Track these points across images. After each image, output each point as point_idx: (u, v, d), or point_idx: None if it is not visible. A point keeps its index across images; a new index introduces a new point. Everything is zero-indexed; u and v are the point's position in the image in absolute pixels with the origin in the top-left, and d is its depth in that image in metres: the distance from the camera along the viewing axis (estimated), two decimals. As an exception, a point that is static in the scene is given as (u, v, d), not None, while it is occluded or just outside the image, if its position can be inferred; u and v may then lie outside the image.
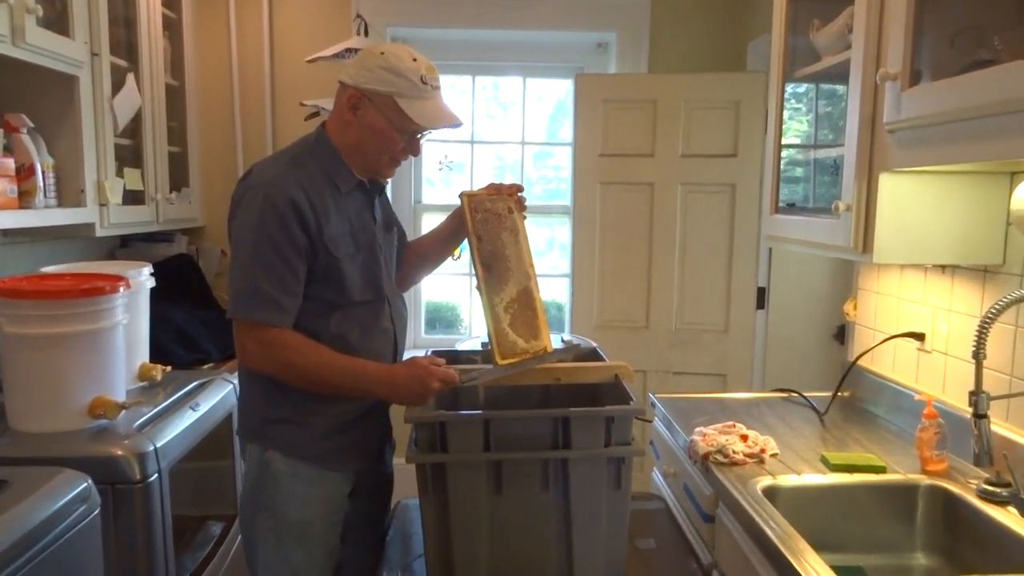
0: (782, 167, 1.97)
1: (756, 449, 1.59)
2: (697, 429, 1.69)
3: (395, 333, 1.61)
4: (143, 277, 2.07)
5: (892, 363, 1.92)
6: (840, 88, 1.81)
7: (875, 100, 1.47)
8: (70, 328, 1.67)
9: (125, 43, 2.48)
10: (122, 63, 2.43)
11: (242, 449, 1.57)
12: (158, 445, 1.70)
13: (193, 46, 2.97)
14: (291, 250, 1.41)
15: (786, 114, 1.94)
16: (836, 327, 2.92)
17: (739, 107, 2.88)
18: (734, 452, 1.57)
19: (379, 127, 1.47)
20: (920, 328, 1.80)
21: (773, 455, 1.61)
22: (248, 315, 1.40)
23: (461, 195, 1.73)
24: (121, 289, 1.79)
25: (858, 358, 1.98)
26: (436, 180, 3.54)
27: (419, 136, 1.52)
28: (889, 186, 1.48)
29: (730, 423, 1.72)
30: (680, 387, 3.02)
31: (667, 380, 3.03)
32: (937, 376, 1.73)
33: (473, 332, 3.56)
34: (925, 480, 1.48)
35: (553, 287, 3.62)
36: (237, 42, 3.08)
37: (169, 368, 2.13)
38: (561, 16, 3.12)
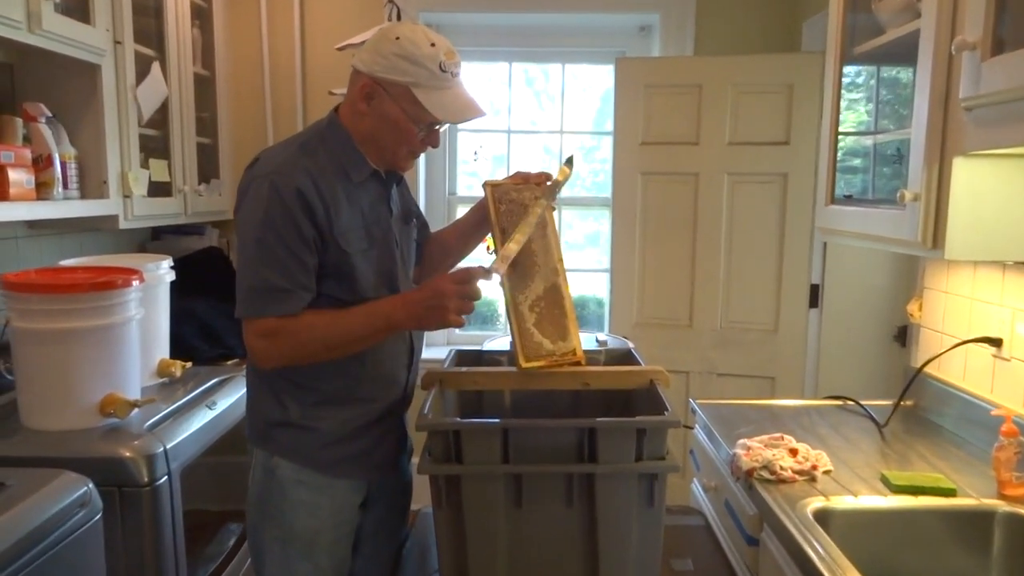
0: (839, 156, 1.80)
1: (807, 465, 1.44)
2: (740, 441, 1.54)
3: (411, 334, 1.50)
4: (162, 270, 2.02)
5: (963, 371, 1.73)
6: (905, 67, 1.63)
7: (949, 74, 1.29)
8: (80, 323, 1.61)
9: (152, 32, 2.44)
10: (148, 52, 2.38)
11: (250, 454, 1.48)
12: (168, 446, 1.63)
13: (224, 36, 2.92)
14: (299, 243, 1.31)
15: (844, 98, 1.76)
16: (897, 328, 2.72)
17: (792, 91, 2.68)
18: (781, 468, 1.42)
19: (395, 119, 1.36)
20: (996, 333, 1.60)
21: (826, 472, 1.45)
22: (260, 311, 1.31)
23: (484, 185, 1.61)
24: (135, 283, 1.73)
25: (924, 365, 1.79)
26: (476, 170, 3.43)
27: (439, 127, 1.41)
28: (964, 172, 1.30)
29: (777, 435, 1.56)
30: (725, 390, 2.85)
31: (711, 382, 2.86)
32: (1017, 387, 1.54)
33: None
34: (1003, 506, 1.31)
35: (594, 283, 3.48)
36: (268, 31, 3.02)
37: (189, 364, 2.08)
38: (601, -2, 2.97)
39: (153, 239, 2.93)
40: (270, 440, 1.41)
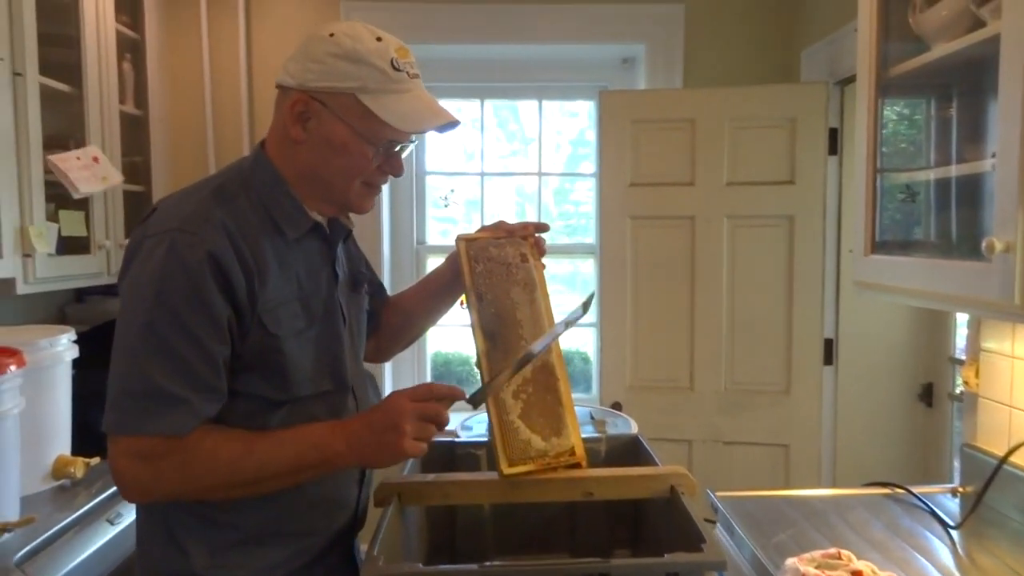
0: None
1: (881, 598, 1.10)
2: (790, 562, 1.20)
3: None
4: (59, 347, 1.65)
5: (1042, 454, 1.42)
6: (964, 86, 1.37)
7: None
8: (-72, 427, 1.23)
9: (69, 65, 2.10)
10: (62, 87, 2.04)
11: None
12: (40, 588, 1.25)
13: (159, 71, 2.59)
14: (206, 328, 0.96)
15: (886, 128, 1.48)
16: (922, 386, 2.44)
17: (795, 125, 2.42)
18: (851, 605, 1.08)
19: (342, 141, 1.03)
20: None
21: (905, 606, 1.12)
22: (136, 427, 0.94)
23: (457, 240, 1.29)
24: (11, 369, 1.36)
25: (1011, 452, 1.46)
26: (451, 215, 3.11)
27: (399, 147, 1.08)
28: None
29: (832, 550, 1.23)
30: (733, 460, 2.51)
31: (717, 452, 2.53)
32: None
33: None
34: None
35: (578, 336, 3.16)
36: (210, 65, 2.70)
37: (96, 460, 1.69)
38: (580, 28, 2.71)
39: (77, 301, 2.55)
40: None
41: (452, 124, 1.07)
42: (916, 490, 1.57)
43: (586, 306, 1.26)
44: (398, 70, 1.02)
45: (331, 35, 1.02)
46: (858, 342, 2.47)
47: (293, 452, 0.98)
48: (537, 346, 1.17)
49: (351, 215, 1.18)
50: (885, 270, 1.42)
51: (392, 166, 1.09)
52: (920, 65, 1.39)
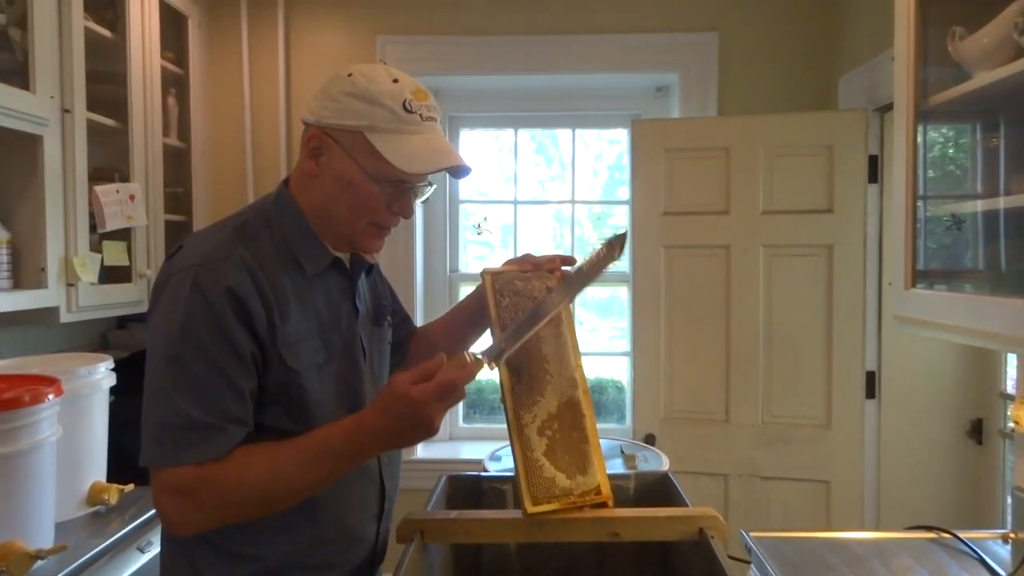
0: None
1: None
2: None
3: (380, 471, 1.15)
4: (97, 375, 1.68)
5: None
6: (1000, 114, 1.33)
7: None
8: (-33, 455, 1.27)
9: (115, 100, 2.18)
10: (108, 122, 2.12)
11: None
12: (71, 616, 1.26)
13: (201, 105, 2.67)
14: (232, 361, 0.97)
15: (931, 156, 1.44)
16: (971, 422, 2.34)
17: (832, 152, 2.38)
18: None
19: (348, 177, 1.04)
20: None
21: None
22: (174, 458, 0.95)
23: (483, 273, 1.28)
24: (48, 398, 1.39)
25: None
26: (488, 240, 3.12)
27: (409, 187, 1.07)
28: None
29: (872, 598, 1.17)
30: (771, 496, 2.44)
31: (753, 488, 2.45)
32: None
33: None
34: None
35: (612, 365, 3.12)
36: (251, 99, 2.77)
37: (130, 487, 1.72)
38: (614, 57, 2.71)
39: (119, 327, 2.62)
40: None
41: (462, 169, 1.07)
42: (964, 535, 1.50)
43: (611, 247, 1.17)
44: (410, 111, 1.02)
45: (349, 75, 1.04)
46: (902, 375, 2.38)
47: (318, 460, 0.97)
48: (551, 298, 1.15)
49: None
50: (927, 305, 1.37)
51: (402, 208, 1.08)
52: (962, 93, 1.35)
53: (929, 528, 1.55)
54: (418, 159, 1.02)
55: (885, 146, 2.36)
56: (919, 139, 1.43)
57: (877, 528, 2.37)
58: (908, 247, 1.43)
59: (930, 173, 1.54)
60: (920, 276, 1.46)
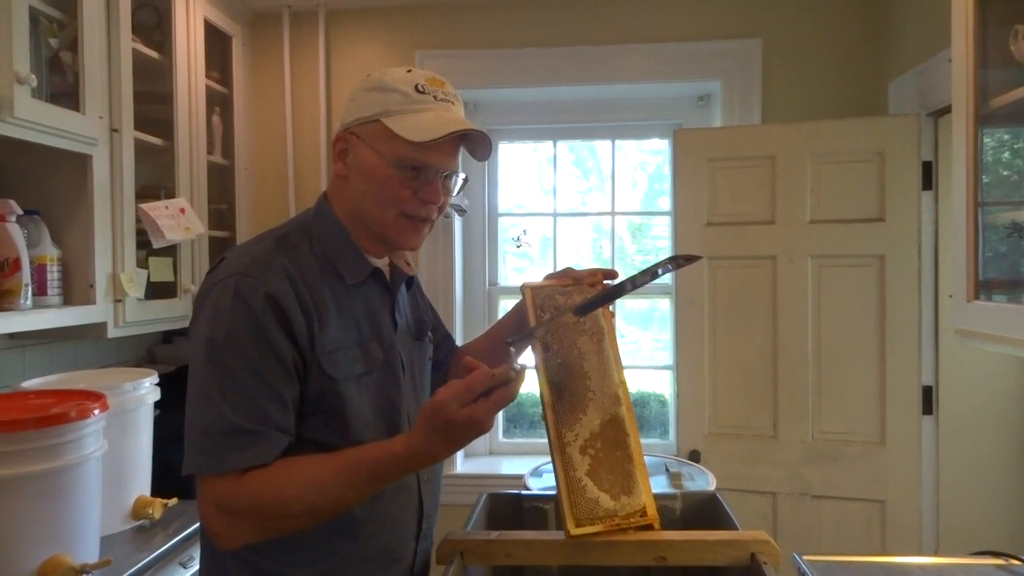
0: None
1: None
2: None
3: (419, 486, 1.13)
4: (142, 390, 1.71)
5: None
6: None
7: None
8: (16, 470, 1.28)
9: (161, 119, 2.23)
10: (155, 141, 2.16)
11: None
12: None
13: (245, 122, 2.72)
14: (274, 367, 0.98)
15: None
16: (1036, 440, 2.22)
17: (884, 159, 2.30)
18: None
19: (371, 167, 1.05)
20: None
21: None
22: (219, 464, 0.95)
23: (523, 287, 1.26)
24: (94, 413, 1.41)
25: None
26: (528, 253, 3.10)
27: (433, 171, 1.05)
28: None
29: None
30: (822, 516, 2.35)
31: (804, 507, 2.37)
32: None
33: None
34: None
35: (655, 379, 3.06)
36: (293, 117, 2.81)
37: (174, 501, 1.74)
38: (655, 67, 2.68)
39: (165, 341, 2.66)
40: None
41: (480, 146, 1.08)
42: (1034, 561, 1.41)
43: (672, 263, 1.10)
44: (422, 92, 1.03)
45: (369, 75, 1.08)
46: (962, 389, 2.28)
47: (368, 473, 0.96)
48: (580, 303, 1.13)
49: (413, 261, 1.18)
50: (991, 318, 1.30)
51: (428, 194, 1.06)
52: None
53: (996, 554, 1.46)
54: (428, 129, 1.01)
55: (940, 152, 2.27)
56: (980, 143, 1.36)
57: (936, 551, 2.27)
58: (971, 257, 1.37)
59: (985, 179, 1.47)
60: (982, 287, 1.39)
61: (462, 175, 1.12)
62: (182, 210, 2.16)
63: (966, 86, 1.38)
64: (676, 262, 1.10)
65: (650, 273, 1.08)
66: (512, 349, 1.08)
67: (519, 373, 0.95)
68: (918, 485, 2.28)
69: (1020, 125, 1.47)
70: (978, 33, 1.38)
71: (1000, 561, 1.45)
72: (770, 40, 2.63)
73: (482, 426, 0.93)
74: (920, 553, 2.23)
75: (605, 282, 1.23)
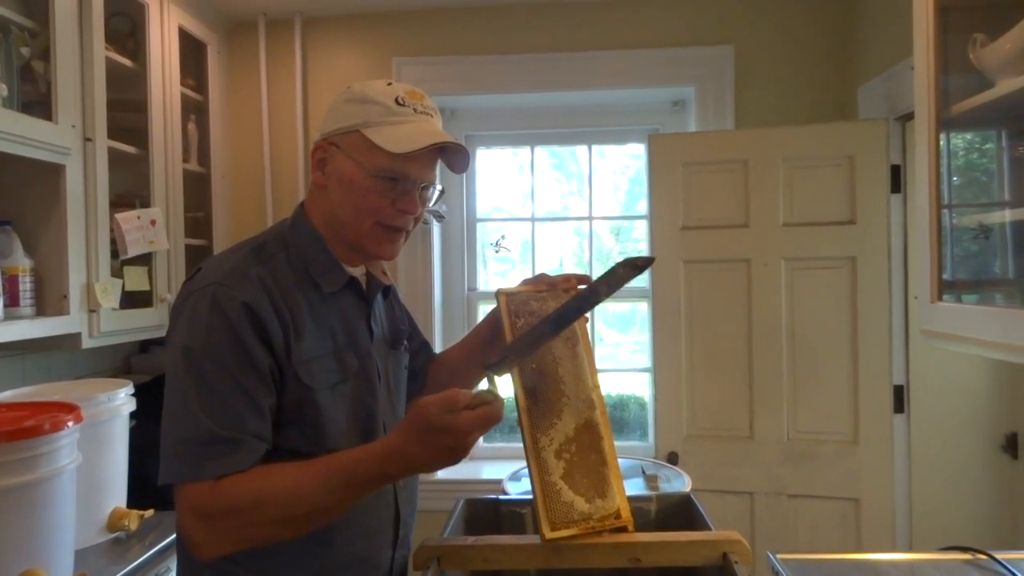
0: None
1: None
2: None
3: (395, 493, 1.13)
4: (117, 401, 1.69)
5: None
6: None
7: None
8: (-12, 484, 1.27)
9: (135, 128, 2.22)
10: (129, 149, 2.15)
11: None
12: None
13: (221, 130, 2.71)
14: (250, 376, 0.98)
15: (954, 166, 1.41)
16: (1005, 436, 2.27)
17: (854, 163, 2.34)
18: None
19: (349, 176, 1.06)
20: None
21: None
22: (196, 473, 0.95)
23: (497, 294, 1.27)
24: (68, 425, 1.40)
25: None
26: (509, 257, 3.11)
27: (410, 181, 1.07)
28: None
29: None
30: (798, 514, 2.38)
31: (780, 506, 2.40)
32: None
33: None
34: None
35: (633, 381, 3.08)
36: (269, 123, 2.81)
37: (150, 512, 1.72)
38: (630, 73, 2.71)
39: (142, 351, 2.64)
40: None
41: (457, 159, 1.10)
42: (1001, 556, 1.44)
43: (628, 268, 1.14)
44: (402, 105, 1.05)
45: (349, 87, 1.09)
46: (932, 388, 2.32)
47: (345, 480, 0.96)
48: (560, 312, 1.14)
49: (390, 270, 1.18)
50: (955, 319, 1.33)
51: (405, 204, 1.07)
52: (986, 101, 1.32)
53: (965, 549, 1.49)
54: (407, 140, 1.03)
55: (908, 155, 2.32)
56: (942, 147, 1.40)
57: (909, 548, 2.31)
58: (933, 259, 1.40)
59: (955, 180, 1.51)
60: (947, 287, 1.42)
61: (439, 186, 1.14)
62: (153, 222, 2.15)
63: (927, 93, 1.42)
64: (634, 264, 1.14)
65: (605, 283, 1.12)
66: (491, 374, 1.07)
67: (497, 398, 0.96)
68: (891, 483, 2.32)
69: (980, 129, 1.51)
70: (939, 41, 1.41)
71: (968, 556, 1.48)
72: (742, 46, 2.67)
73: (462, 438, 0.92)
74: (894, 550, 2.27)
75: (579, 287, 1.25)
